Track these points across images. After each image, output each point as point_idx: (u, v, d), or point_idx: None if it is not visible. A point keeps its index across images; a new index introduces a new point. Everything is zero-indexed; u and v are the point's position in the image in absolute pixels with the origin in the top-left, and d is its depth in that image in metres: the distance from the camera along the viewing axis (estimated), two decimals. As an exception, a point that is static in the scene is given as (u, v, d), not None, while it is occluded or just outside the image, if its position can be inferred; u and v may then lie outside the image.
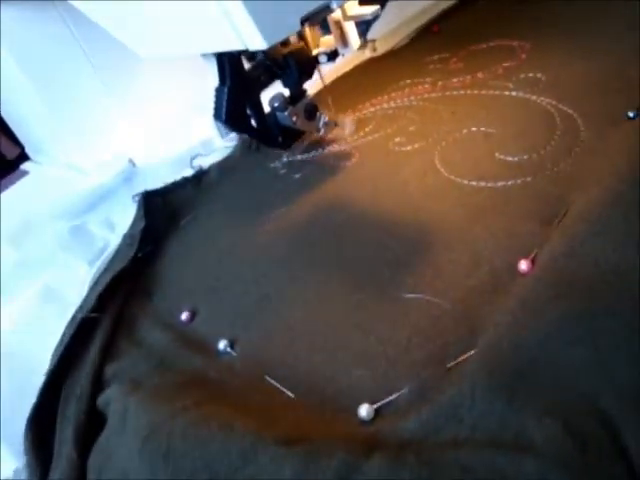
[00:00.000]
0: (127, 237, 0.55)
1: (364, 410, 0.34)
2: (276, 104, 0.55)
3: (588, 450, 0.27)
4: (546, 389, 0.29)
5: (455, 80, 0.64)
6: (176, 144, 0.68)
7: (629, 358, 0.29)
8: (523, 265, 0.39)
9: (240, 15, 0.38)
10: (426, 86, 0.65)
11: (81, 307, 0.49)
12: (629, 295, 0.31)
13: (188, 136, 0.68)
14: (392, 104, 0.63)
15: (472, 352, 0.34)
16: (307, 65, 0.56)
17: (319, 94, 0.64)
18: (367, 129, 0.61)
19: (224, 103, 0.50)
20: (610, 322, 0.30)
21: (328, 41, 0.58)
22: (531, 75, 0.60)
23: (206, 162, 0.64)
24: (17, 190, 0.75)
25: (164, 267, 0.54)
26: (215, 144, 0.66)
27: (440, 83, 0.64)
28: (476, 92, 0.60)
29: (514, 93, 0.58)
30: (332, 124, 0.59)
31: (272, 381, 0.39)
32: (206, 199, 0.60)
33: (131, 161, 0.67)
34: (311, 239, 0.49)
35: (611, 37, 0.60)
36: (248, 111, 0.53)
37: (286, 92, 0.56)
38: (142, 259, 0.55)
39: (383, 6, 0.61)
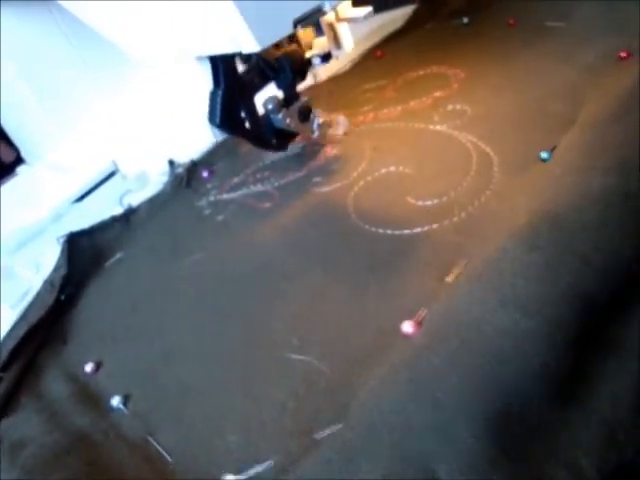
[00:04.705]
0: (47, 283, 0.55)
1: (227, 482, 0.34)
2: (270, 106, 0.55)
3: None
4: (388, 454, 0.29)
5: (386, 111, 0.63)
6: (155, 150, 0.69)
7: (467, 418, 0.28)
8: (407, 327, 0.38)
9: (233, 18, 0.38)
10: (358, 117, 0.64)
11: (-8, 359, 0.49)
12: (476, 348, 0.30)
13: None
14: (321, 138, 0.63)
15: (339, 426, 0.34)
16: (301, 67, 0.56)
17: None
18: (294, 166, 0.60)
19: (218, 106, 0.50)
20: (454, 381, 0.29)
21: (321, 43, 0.59)
22: (458, 107, 0.58)
23: (137, 199, 0.64)
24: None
25: (83, 312, 0.54)
26: (148, 178, 0.66)
27: (372, 114, 0.63)
28: (402, 125, 0.59)
29: (438, 127, 0.56)
30: (326, 126, 0.59)
31: (154, 443, 0.39)
32: (132, 239, 0.60)
33: (114, 162, 0.67)
34: (218, 289, 0.49)
35: (540, 70, 0.58)
36: (242, 114, 0.54)
37: (280, 94, 0.57)
38: (63, 302, 0.55)
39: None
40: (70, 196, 0.65)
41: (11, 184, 0.75)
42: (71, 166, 0.70)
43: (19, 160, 0.81)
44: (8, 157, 0.86)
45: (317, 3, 0.45)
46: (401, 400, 0.29)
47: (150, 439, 0.39)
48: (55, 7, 0.63)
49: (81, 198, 0.65)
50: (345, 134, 0.60)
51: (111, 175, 0.67)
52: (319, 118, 0.58)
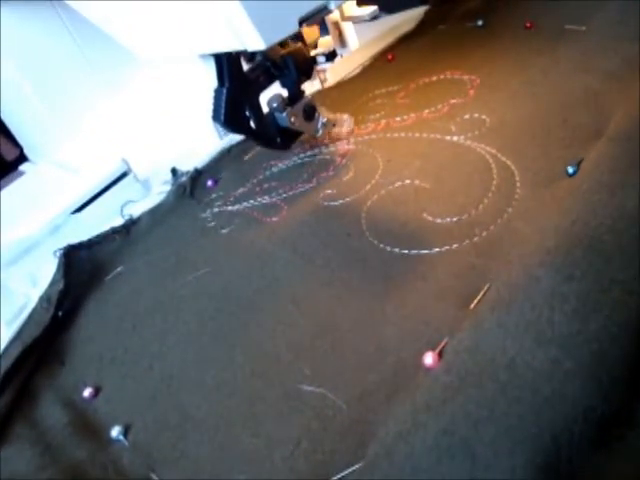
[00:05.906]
0: (43, 299, 0.52)
1: (236, 530, 0.32)
2: (274, 105, 0.54)
3: None
4: None
5: (399, 119, 0.60)
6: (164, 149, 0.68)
7: (506, 473, 0.25)
8: (428, 359, 0.35)
9: (239, 16, 0.39)
10: (369, 125, 0.61)
11: (-15, 381, 0.47)
12: (515, 395, 0.28)
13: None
14: (331, 148, 0.60)
15: (356, 466, 0.31)
16: (306, 66, 0.56)
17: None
18: (303, 177, 0.57)
19: (223, 104, 0.50)
20: (492, 432, 0.27)
21: (326, 42, 0.59)
22: (476, 116, 0.55)
23: (138, 209, 0.61)
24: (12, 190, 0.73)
25: (81, 330, 0.51)
26: (150, 188, 0.63)
27: (383, 122, 0.60)
28: (417, 135, 0.56)
29: (455, 138, 0.54)
30: (330, 125, 0.58)
31: (157, 480, 0.37)
32: (133, 252, 0.57)
33: (124, 161, 0.65)
34: (222, 309, 0.46)
35: (560, 77, 0.55)
36: (247, 112, 0.53)
37: (284, 93, 0.56)
38: (60, 320, 0.52)
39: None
40: (81, 196, 0.63)
41: (18, 183, 0.73)
42: (78, 165, 0.68)
43: (22, 158, 0.81)
44: (10, 154, 0.84)
45: (322, 2, 0.44)
46: (435, 453, 0.27)
47: (153, 476, 0.37)
48: (61, 6, 0.63)
49: (83, 206, 0.62)
50: (349, 133, 0.60)
51: (123, 176, 0.65)
52: (323, 117, 0.57)
